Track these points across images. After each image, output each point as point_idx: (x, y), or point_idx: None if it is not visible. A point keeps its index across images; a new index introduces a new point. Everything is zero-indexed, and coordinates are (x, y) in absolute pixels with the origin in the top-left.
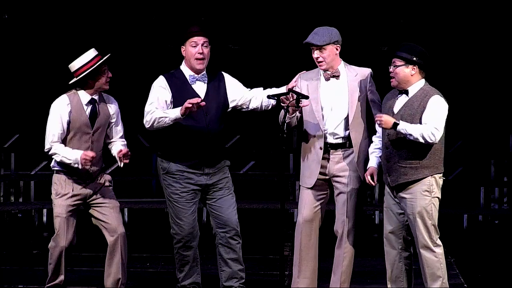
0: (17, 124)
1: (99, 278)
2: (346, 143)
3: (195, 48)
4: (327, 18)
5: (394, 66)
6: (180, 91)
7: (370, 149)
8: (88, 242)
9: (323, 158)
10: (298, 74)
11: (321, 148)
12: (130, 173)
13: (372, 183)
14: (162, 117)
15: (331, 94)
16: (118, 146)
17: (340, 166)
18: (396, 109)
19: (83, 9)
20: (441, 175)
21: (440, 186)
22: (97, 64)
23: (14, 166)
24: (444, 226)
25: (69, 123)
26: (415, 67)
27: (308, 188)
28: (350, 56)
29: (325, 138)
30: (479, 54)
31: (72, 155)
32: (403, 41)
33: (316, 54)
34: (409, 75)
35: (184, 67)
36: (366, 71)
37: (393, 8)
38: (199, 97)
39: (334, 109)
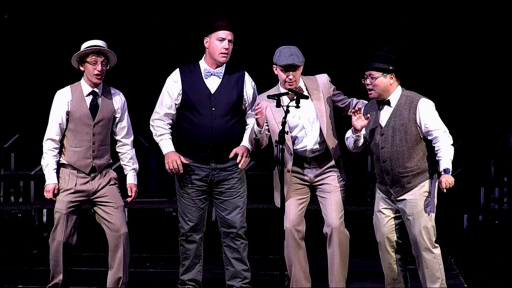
0: (17, 124)
1: (99, 278)
2: (324, 152)
3: (222, 43)
4: (327, 18)
5: (372, 78)
6: (192, 85)
7: None
8: (88, 242)
9: (304, 168)
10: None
11: (288, 171)
12: None
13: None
14: (157, 140)
15: (299, 113)
16: (129, 172)
17: (320, 171)
18: (383, 122)
19: (83, 9)
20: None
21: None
22: (81, 50)
23: (14, 166)
24: (444, 226)
25: (69, 113)
26: (392, 75)
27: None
28: (350, 56)
29: (298, 157)
30: (479, 54)
31: (47, 173)
32: (399, 43)
33: (291, 75)
34: (388, 85)
35: (202, 62)
36: (323, 77)
37: (393, 8)
38: (209, 91)
39: (306, 127)
